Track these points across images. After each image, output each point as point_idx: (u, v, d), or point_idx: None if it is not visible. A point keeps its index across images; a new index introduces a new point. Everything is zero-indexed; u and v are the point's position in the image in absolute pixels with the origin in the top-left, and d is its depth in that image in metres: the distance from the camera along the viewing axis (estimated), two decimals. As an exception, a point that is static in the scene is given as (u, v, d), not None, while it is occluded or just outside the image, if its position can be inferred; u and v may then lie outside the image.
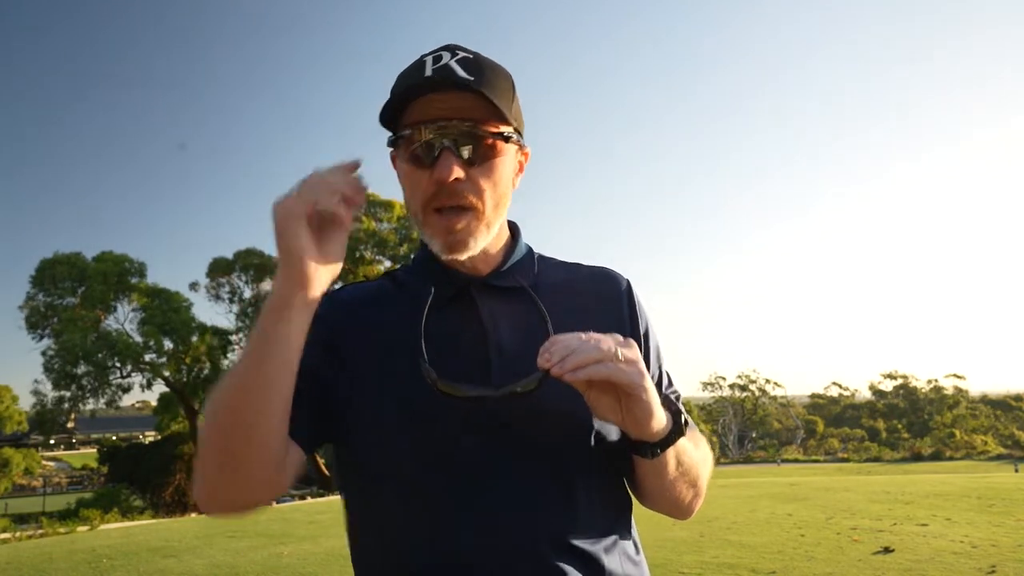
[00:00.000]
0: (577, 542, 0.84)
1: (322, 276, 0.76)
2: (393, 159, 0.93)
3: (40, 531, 11.82)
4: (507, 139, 0.88)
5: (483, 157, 0.86)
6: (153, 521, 15.27)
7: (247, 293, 29.05)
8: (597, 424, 0.88)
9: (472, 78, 0.84)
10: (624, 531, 0.92)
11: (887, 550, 5.41)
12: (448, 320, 0.91)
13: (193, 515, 19.08)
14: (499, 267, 0.95)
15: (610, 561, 0.87)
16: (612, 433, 0.90)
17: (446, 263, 0.93)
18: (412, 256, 1.02)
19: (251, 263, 28.65)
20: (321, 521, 9.18)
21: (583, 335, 0.76)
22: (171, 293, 27.05)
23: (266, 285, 29.15)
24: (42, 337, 25.70)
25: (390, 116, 0.89)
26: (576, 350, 0.74)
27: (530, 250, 1.01)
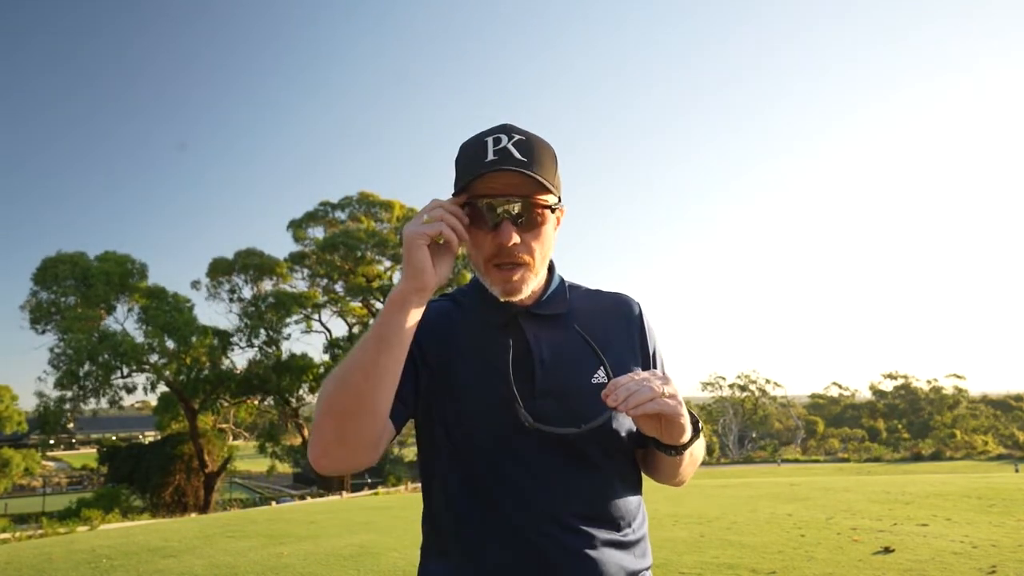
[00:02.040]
0: (607, 523, 1.10)
1: (432, 284, 1.00)
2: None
3: (40, 531, 11.81)
4: (552, 209, 1.12)
5: (533, 224, 1.10)
6: (153, 521, 15.27)
7: (247, 293, 29.07)
8: (627, 427, 1.15)
9: (526, 159, 1.06)
10: (638, 508, 1.18)
11: (887, 550, 5.41)
12: (504, 341, 1.13)
13: (193, 515, 19.07)
14: (540, 298, 1.19)
15: (632, 533, 1.13)
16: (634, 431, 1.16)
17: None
18: (465, 284, 1.26)
19: (251, 263, 28.64)
20: (321, 521, 9.19)
21: (636, 376, 1.00)
22: (172, 294, 27.03)
23: (266, 285, 29.16)
24: (44, 332, 25.71)
25: (460, 187, 1.11)
26: (635, 392, 0.97)
27: (562, 281, 1.24)
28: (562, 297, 1.21)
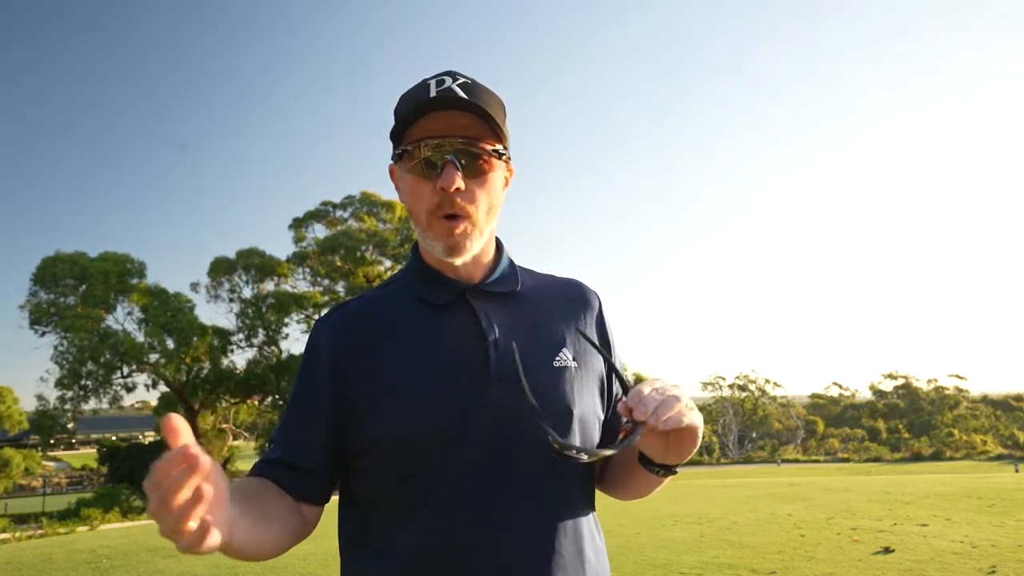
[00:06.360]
0: (565, 527, 0.97)
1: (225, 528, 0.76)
2: (391, 171, 1.05)
3: (40, 531, 11.83)
4: (500, 156, 0.99)
5: (478, 171, 0.97)
6: (153, 521, 15.28)
7: (247, 293, 29.08)
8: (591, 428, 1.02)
9: (471, 99, 0.95)
10: (592, 518, 1.04)
11: (887, 550, 5.41)
12: (450, 321, 1.01)
13: (193, 515, 19.04)
14: (489, 275, 1.05)
15: (588, 543, 1.00)
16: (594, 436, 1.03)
17: (443, 271, 1.03)
18: (399, 269, 1.11)
19: (252, 263, 28.65)
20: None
21: (655, 384, 0.87)
22: (172, 294, 27.04)
23: (267, 285, 29.16)
24: (43, 334, 25.72)
25: (397, 132, 0.98)
26: (662, 404, 0.84)
27: (511, 261, 1.12)
28: (513, 276, 1.08)
